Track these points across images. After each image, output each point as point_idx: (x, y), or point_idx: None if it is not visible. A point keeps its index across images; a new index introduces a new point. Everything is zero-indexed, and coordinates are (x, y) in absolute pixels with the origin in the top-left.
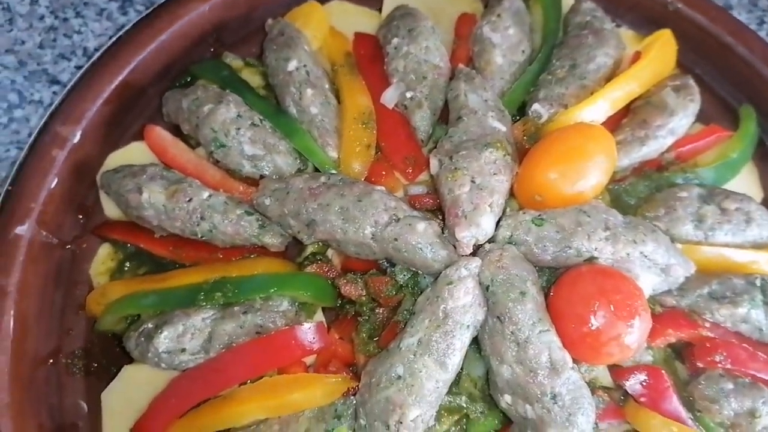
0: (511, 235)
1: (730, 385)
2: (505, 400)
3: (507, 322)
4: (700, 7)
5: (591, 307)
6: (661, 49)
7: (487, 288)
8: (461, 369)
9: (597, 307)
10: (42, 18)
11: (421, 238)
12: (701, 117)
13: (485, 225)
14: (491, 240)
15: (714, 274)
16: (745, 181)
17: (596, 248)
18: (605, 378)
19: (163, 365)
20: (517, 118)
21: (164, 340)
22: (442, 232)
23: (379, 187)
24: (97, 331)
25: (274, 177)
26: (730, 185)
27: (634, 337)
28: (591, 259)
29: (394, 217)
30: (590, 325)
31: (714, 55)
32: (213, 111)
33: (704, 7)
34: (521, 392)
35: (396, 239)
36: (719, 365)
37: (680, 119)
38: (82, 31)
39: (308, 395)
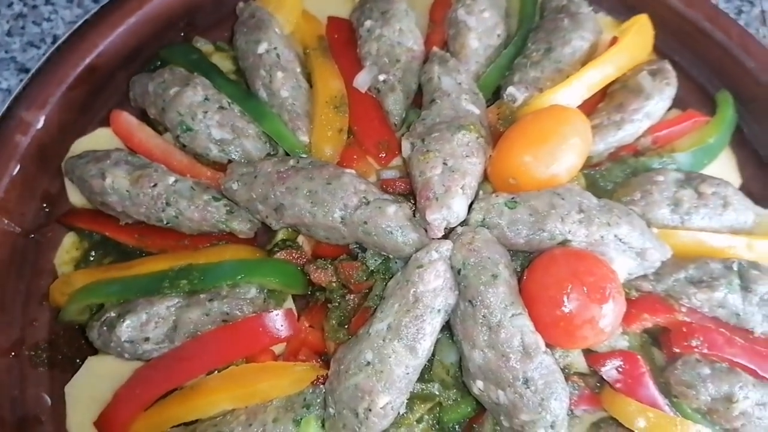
0: (484, 219)
1: (707, 370)
2: (477, 386)
3: (479, 305)
4: None
5: (564, 289)
6: (638, 34)
7: (459, 271)
8: (433, 355)
9: (570, 290)
10: (10, 5)
11: (392, 221)
12: (678, 103)
13: (457, 207)
14: (463, 223)
15: (690, 258)
16: (722, 167)
17: (570, 231)
18: (580, 364)
19: (126, 355)
20: (493, 102)
21: (126, 329)
22: (414, 216)
23: (349, 170)
24: (61, 322)
25: (242, 161)
26: (708, 171)
27: (608, 320)
28: (564, 242)
29: (364, 200)
30: (563, 308)
31: (691, 40)
32: (179, 94)
33: None
34: (493, 377)
35: (366, 222)
36: (696, 350)
37: (656, 103)
38: (52, 18)
39: (276, 384)
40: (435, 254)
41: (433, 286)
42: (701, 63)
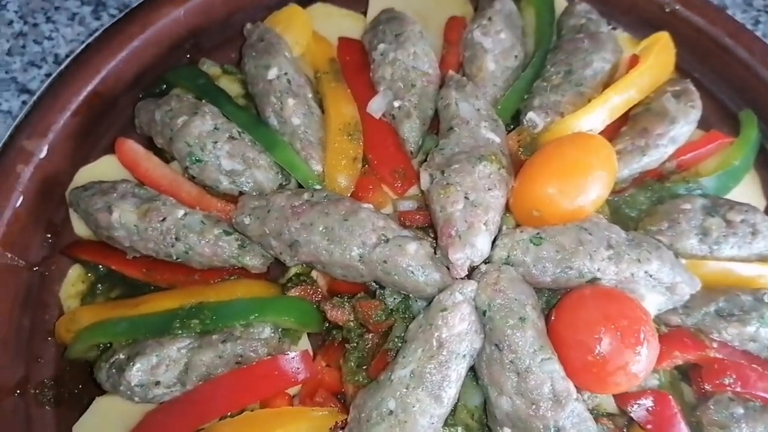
0: (508, 256)
1: (741, 410)
2: None
3: (506, 350)
4: (697, 8)
5: (596, 333)
6: (660, 53)
7: (484, 313)
8: (457, 399)
9: (602, 334)
10: (10, 23)
11: (412, 261)
12: (701, 123)
13: (481, 245)
14: (487, 260)
15: (720, 290)
16: (747, 190)
17: (599, 268)
18: (609, 404)
19: (136, 399)
20: (512, 127)
21: (137, 372)
22: (435, 253)
23: (366, 205)
24: (67, 359)
25: (254, 194)
26: (733, 194)
27: (642, 365)
28: (593, 280)
29: (383, 238)
30: (595, 353)
31: (712, 58)
32: (188, 123)
33: (702, 9)
34: (522, 426)
35: (385, 261)
36: (728, 388)
37: (682, 126)
38: (53, 36)
39: (293, 430)
40: (459, 296)
41: (458, 330)
42: (723, 81)
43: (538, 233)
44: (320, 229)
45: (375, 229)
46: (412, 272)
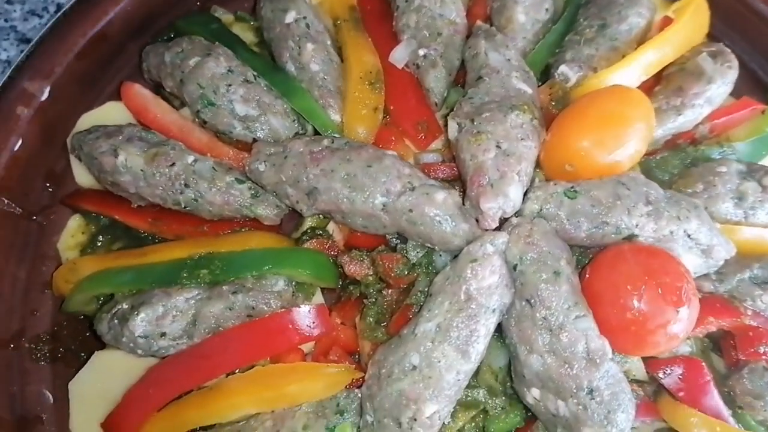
0: (541, 209)
1: None
2: (533, 394)
3: (538, 305)
4: None
5: (636, 290)
6: (695, 13)
7: (515, 267)
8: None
9: (643, 291)
10: None
11: (440, 209)
12: (731, 92)
13: (513, 195)
14: (517, 214)
15: (754, 257)
16: None
17: (637, 224)
18: (639, 371)
19: (139, 351)
20: (541, 81)
21: (141, 322)
22: (463, 203)
23: (390, 152)
24: (64, 312)
25: (269, 140)
26: (765, 161)
27: (683, 326)
28: (630, 237)
29: (409, 186)
30: (635, 310)
31: (744, 24)
32: (200, 65)
33: None
34: (553, 386)
35: (411, 210)
36: (763, 357)
37: (718, 87)
38: None
39: (307, 387)
40: (490, 247)
41: (488, 282)
42: (754, 49)
43: (572, 186)
44: (342, 175)
45: (400, 176)
46: (440, 222)
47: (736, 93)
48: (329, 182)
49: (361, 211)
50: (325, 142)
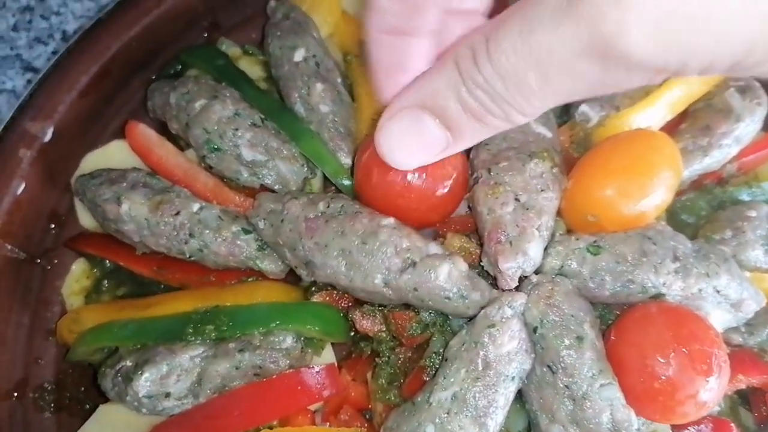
0: (562, 266)
1: None
2: None
3: (560, 372)
4: None
5: (664, 357)
6: None
7: (535, 330)
8: None
9: (672, 358)
10: None
11: (446, 284)
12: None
13: (533, 253)
14: (537, 270)
15: None
16: None
17: (664, 283)
18: (664, 430)
19: (144, 410)
20: (560, 120)
21: (145, 382)
22: (480, 260)
23: (386, 221)
24: (69, 361)
25: (276, 187)
26: None
27: (713, 394)
28: (657, 296)
29: (409, 261)
30: (663, 380)
31: None
32: (206, 108)
33: None
34: None
35: (416, 289)
36: None
37: (747, 125)
38: (61, 12)
39: None
40: (508, 310)
41: (507, 349)
42: None
43: (595, 241)
44: (336, 252)
45: (398, 252)
46: (448, 298)
47: (764, 126)
48: (324, 258)
49: (361, 288)
50: (321, 206)
